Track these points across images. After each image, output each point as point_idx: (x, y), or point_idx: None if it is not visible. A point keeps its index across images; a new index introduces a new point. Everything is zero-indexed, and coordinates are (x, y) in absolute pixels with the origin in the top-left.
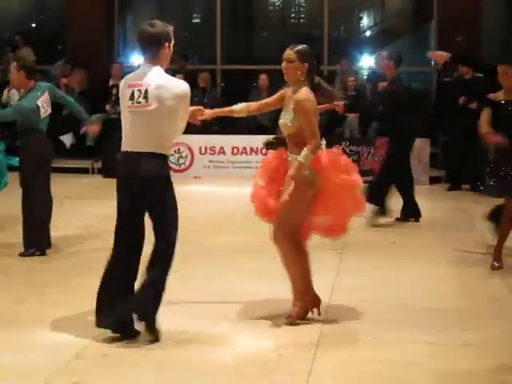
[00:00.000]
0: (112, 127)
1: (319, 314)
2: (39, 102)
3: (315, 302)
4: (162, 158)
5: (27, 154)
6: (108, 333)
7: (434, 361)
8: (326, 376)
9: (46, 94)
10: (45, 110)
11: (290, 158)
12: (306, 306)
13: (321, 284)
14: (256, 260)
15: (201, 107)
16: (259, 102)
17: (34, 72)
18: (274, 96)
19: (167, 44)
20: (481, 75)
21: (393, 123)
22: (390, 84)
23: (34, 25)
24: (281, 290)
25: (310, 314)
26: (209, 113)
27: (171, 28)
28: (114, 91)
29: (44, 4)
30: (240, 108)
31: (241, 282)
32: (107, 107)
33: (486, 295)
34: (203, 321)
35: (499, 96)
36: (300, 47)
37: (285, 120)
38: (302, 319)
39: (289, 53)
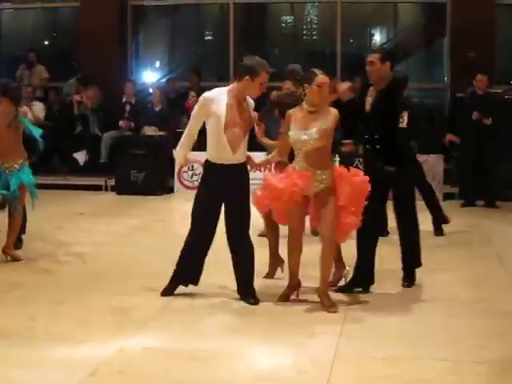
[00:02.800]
0: (125, 144)
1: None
2: None
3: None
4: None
5: None
6: (124, 350)
7: (448, 377)
8: None
9: None
10: None
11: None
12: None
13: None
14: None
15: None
16: None
17: None
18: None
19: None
20: (494, 91)
21: None
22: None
23: (46, 42)
24: (292, 304)
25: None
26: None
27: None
28: (128, 108)
29: (57, 21)
30: None
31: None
32: (120, 123)
33: (501, 311)
34: (218, 337)
35: None
36: None
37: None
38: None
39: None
